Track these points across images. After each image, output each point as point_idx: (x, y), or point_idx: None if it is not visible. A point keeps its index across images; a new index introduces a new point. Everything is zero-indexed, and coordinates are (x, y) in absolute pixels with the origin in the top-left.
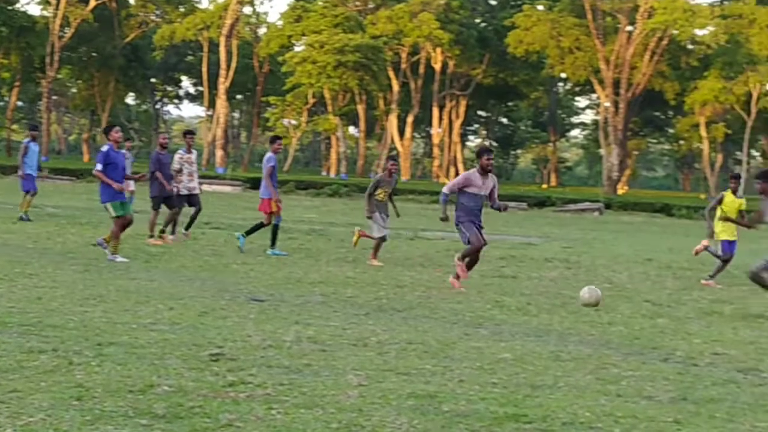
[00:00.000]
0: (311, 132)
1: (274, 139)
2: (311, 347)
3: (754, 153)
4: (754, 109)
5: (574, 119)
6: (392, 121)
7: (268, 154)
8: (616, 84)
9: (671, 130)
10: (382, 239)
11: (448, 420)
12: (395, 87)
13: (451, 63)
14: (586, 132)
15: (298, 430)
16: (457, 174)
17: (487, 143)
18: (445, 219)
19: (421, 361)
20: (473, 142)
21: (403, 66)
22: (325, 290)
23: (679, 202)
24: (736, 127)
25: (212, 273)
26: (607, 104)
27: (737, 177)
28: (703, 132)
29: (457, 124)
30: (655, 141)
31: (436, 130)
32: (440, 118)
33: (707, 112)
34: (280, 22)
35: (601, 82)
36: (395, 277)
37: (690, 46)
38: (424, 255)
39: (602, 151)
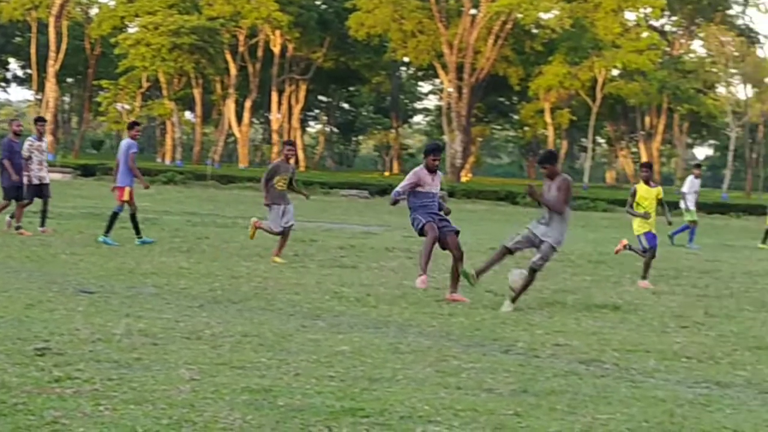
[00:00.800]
0: (145, 117)
1: (133, 125)
2: (142, 341)
3: (600, 140)
4: (599, 95)
5: (417, 105)
6: (230, 106)
7: (128, 141)
8: (460, 69)
9: (516, 117)
10: (282, 233)
11: (282, 415)
12: (233, 71)
13: (290, 46)
14: (429, 118)
15: (127, 427)
16: (296, 161)
17: (440, 143)
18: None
19: (257, 355)
20: (314, 128)
21: (241, 49)
22: (158, 281)
23: (523, 190)
24: (581, 113)
25: (39, 264)
26: (451, 89)
27: (648, 165)
28: (548, 118)
29: (296, 109)
30: (499, 127)
31: (275, 116)
32: (279, 104)
33: (552, 97)
34: (112, 3)
35: (444, 66)
36: (231, 268)
37: (535, 30)
38: (261, 245)
39: (446, 138)
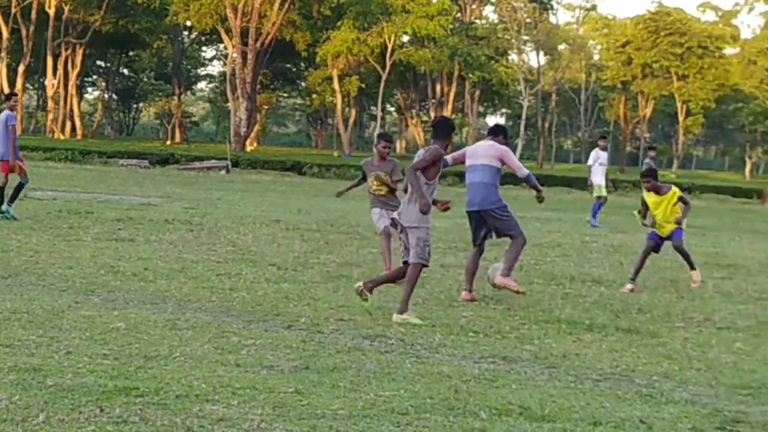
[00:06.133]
0: None
1: (11, 95)
2: None
3: (390, 108)
4: (389, 62)
5: (201, 71)
6: (1, 71)
7: (7, 113)
8: (245, 33)
9: (303, 84)
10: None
11: (52, 395)
12: (4, 33)
13: (66, 8)
14: (213, 85)
15: None
16: (73, 128)
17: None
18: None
19: (26, 332)
20: (92, 94)
21: (14, 10)
22: None
23: (311, 160)
24: (370, 80)
25: None
26: (235, 55)
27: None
28: (336, 85)
29: (73, 74)
30: (286, 95)
31: (50, 81)
32: (55, 69)
33: (340, 64)
34: None
35: (228, 31)
36: (0, 241)
37: None
38: (33, 217)
39: (230, 106)
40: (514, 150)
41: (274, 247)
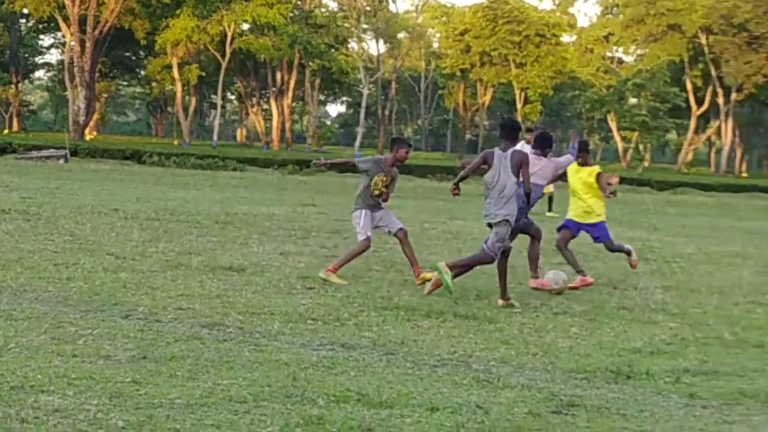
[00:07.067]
0: None
1: None
2: None
3: (230, 96)
4: (228, 50)
5: (39, 59)
6: None
7: None
8: (83, 21)
9: (143, 72)
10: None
11: None
12: None
13: None
14: (51, 73)
15: None
16: None
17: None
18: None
19: None
20: None
21: None
22: None
23: (151, 149)
24: (210, 68)
25: None
26: (73, 43)
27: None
28: (176, 74)
29: None
30: (125, 83)
31: None
32: None
33: (180, 52)
34: None
35: (66, 19)
36: None
37: None
38: None
39: (69, 94)
40: (354, 138)
41: (113, 237)
